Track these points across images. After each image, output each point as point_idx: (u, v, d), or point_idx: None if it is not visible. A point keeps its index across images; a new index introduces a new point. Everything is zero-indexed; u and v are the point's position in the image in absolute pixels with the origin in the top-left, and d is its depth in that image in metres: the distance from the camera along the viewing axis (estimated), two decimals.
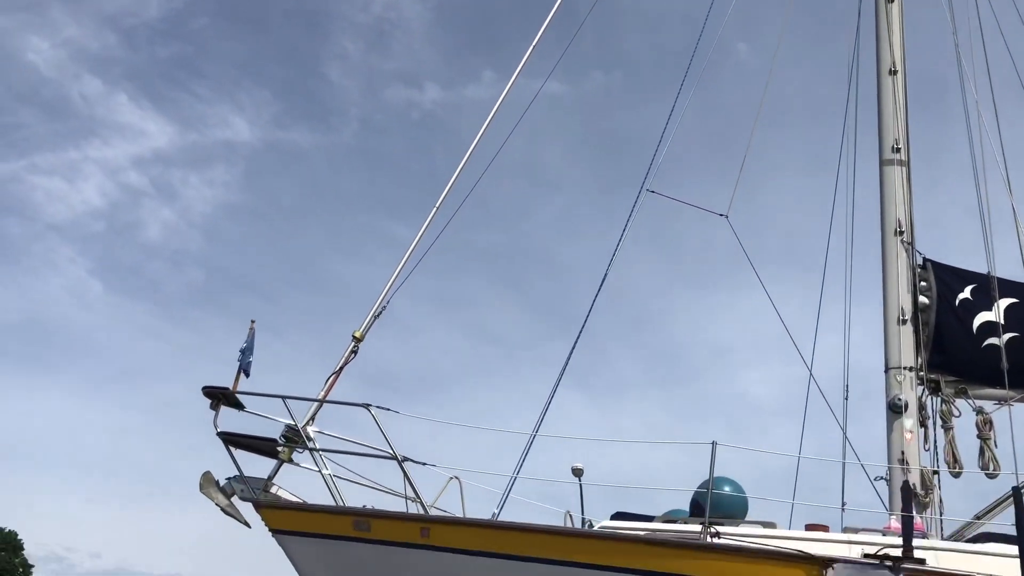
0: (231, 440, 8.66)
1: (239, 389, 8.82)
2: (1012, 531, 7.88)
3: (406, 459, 8.60)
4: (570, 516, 9.19)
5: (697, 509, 8.91)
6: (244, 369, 8.99)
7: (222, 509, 8.67)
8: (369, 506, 8.79)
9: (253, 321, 9.37)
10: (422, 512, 8.48)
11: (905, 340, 10.71)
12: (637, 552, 7.77)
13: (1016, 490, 8.16)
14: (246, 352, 9.12)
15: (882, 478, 10.37)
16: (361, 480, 8.96)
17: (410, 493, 8.65)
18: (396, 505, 8.80)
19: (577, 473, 8.94)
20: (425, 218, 10.10)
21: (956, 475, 10.46)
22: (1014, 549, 7.67)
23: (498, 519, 8.79)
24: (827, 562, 7.33)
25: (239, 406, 8.76)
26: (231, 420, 8.84)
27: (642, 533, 8.26)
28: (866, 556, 7.51)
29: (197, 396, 8.81)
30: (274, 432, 8.82)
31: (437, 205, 10.18)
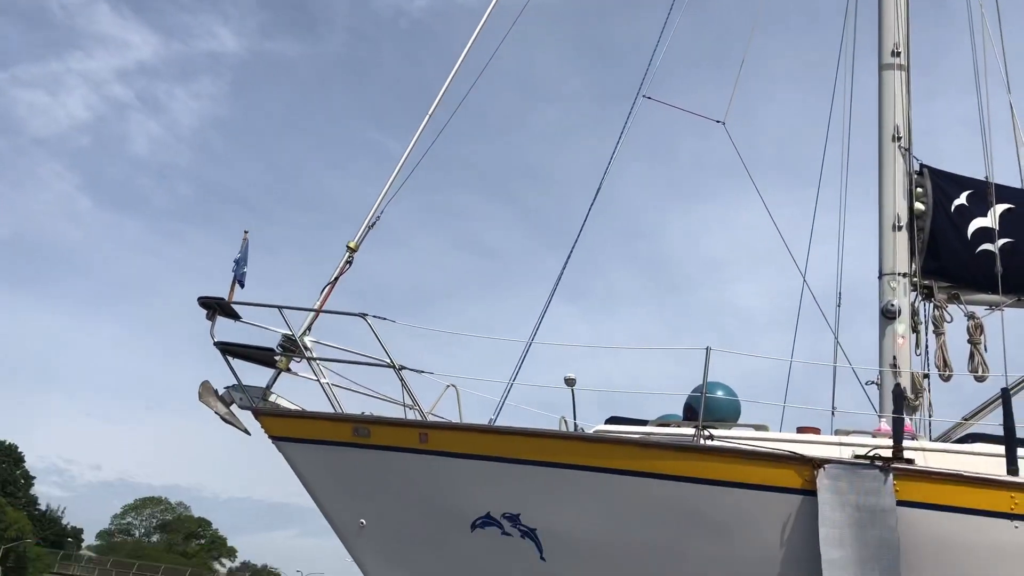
0: (228, 350, 8.71)
1: (234, 300, 8.84)
2: (999, 431, 8.05)
3: (403, 368, 8.68)
4: (564, 422, 9.31)
5: (690, 413, 9.04)
6: (239, 280, 9.00)
7: (222, 417, 8.77)
8: (367, 414, 8.90)
9: (246, 232, 9.38)
10: (420, 419, 8.59)
11: (900, 246, 10.72)
12: (632, 454, 7.90)
13: (1005, 391, 8.30)
14: (240, 263, 9.12)
15: (873, 383, 10.51)
16: (359, 389, 9.07)
17: (408, 401, 8.75)
18: (394, 413, 8.91)
19: (570, 383, 9.04)
20: (416, 129, 9.98)
21: (946, 379, 10.61)
22: (1000, 448, 7.84)
23: (495, 424, 8.92)
24: (818, 463, 7.46)
25: (235, 316, 8.78)
26: (227, 332, 8.91)
27: (636, 436, 8.40)
28: (857, 457, 7.64)
29: (190, 311, 8.84)
30: (271, 343, 8.90)
31: (427, 115, 10.05)
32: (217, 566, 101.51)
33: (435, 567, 8.35)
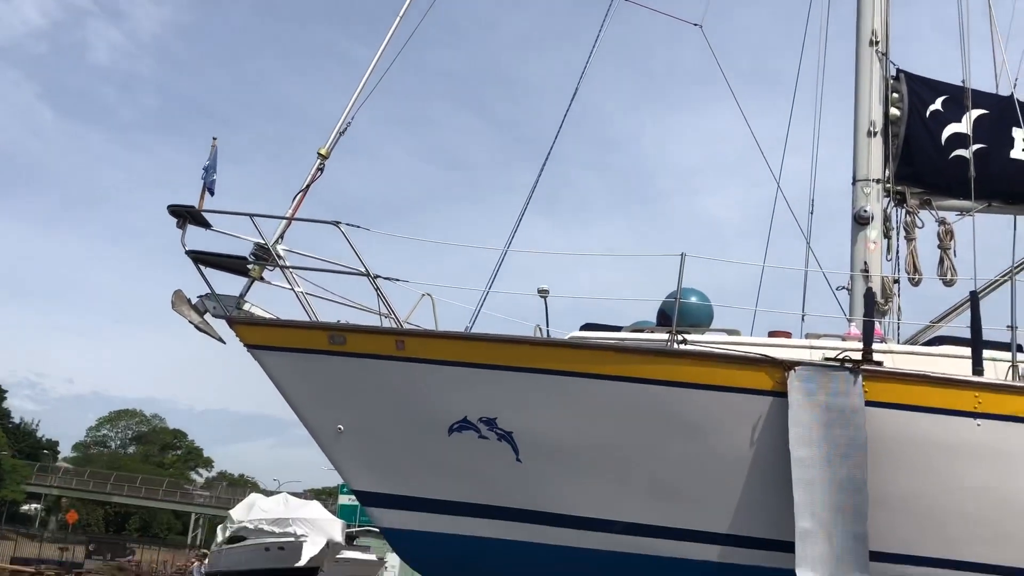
0: (200, 258, 8.61)
1: (205, 207, 8.69)
2: (966, 334, 8.20)
3: (377, 276, 8.64)
4: (539, 330, 9.37)
5: (664, 319, 9.12)
6: (208, 187, 8.84)
7: (196, 326, 8.72)
8: (343, 322, 8.89)
9: (215, 138, 9.19)
10: (396, 327, 8.60)
11: (874, 152, 10.72)
12: (607, 359, 7.98)
13: (974, 294, 8.44)
14: (209, 170, 8.94)
15: (843, 288, 10.64)
16: (333, 298, 9.03)
17: (383, 309, 8.73)
18: (369, 322, 8.90)
19: (543, 293, 9.07)
20: (385, 35, 9.72)
21: (916, 284, 10.76)
22: (966, 350, 8.01)
23: (472, 332, 8.96)
24: (789, 365, 7.58)
25: (206, 224, 8.65)
26: (199, 240, 8.79)
27: (611, 341, 8.47)
28: (827, 359, 7.77)
29: (159, 224, 8.70)
30: (243, 251, 8.80)
31: (397, 19, 9.78)
32: (194, 476, 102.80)
33: (413, 470, 8.48)
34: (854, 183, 10.78)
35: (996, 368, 7.88)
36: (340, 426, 8.58)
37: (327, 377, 8.55)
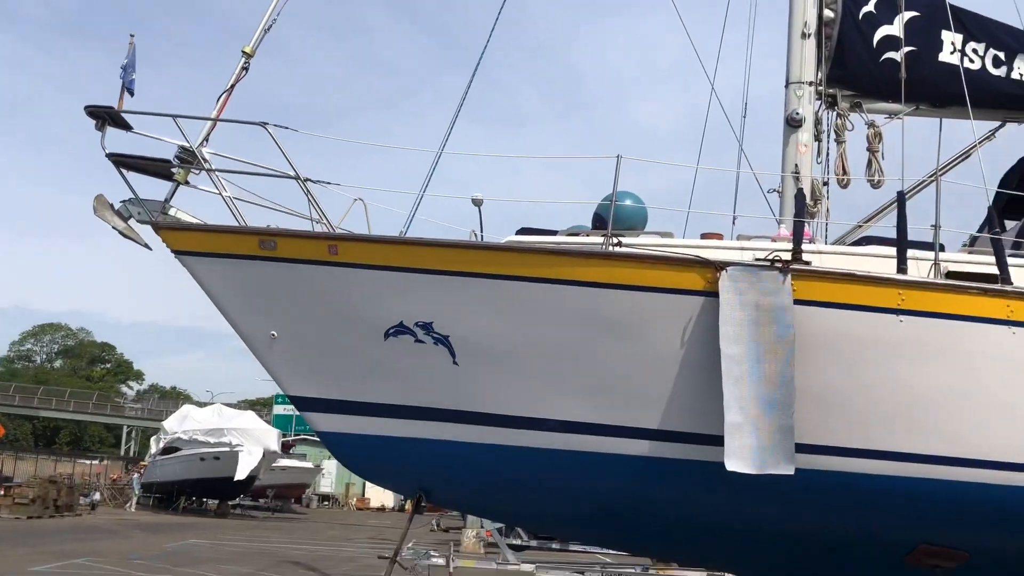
0: (121, 162, 8.30)
1: (124, 108, 8.34)
2: (893, 235, 8.41)
3: (308, 179, 8.45)
4: (474, 235, 9.31)
5: (599, 222, 9.13)
6: (127, 87, 8.47)
7: (120, 232, 8.46)
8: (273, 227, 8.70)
9: (132, 36, 8.77)
10: (329, 231, 8.45)
11: (807, 54, 10.74)
12: (542, 262, 7.99)
13: (900, 194, 8.63)
14: (128, 69, 8.56)
15: (775, 190, 10.78)
16: (262, 202, 8.81)
17: (314, 215, 8.57)
18: (300, 228, 8.73)
19: (477, 203, 8.99)
20: None
21: (844, 186, 10.96)
22: (892, 250, 8.21)
23: (407, 236, 8.86)
24: (721, 265, 7.69)
25: (126, 127, 8.31)
26: (120, 144, 8.44)
27: (547, 244, 8.48)
28: (757, 259, 7.90)
29: (77, 130, 8.35)
30: (167, 155, 8.50)
31: None
32: (124, 389, 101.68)
33: (349, 375, 8.47)
34: (787, 86, 10.82)
35: (919, 267, 8.12)
36: (273, 332, 8.49)
37: (258, 283, 8.41)
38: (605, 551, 23.01)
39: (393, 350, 8.24)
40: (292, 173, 8.34)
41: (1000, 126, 11.51)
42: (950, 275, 8.23)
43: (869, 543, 8.34)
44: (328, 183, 8.65)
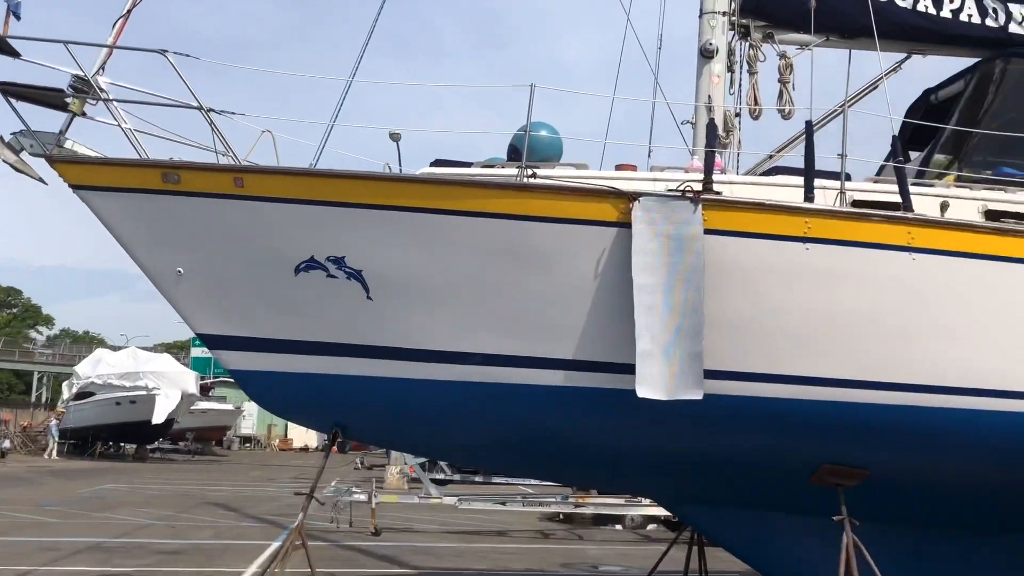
0: (10, 91, 7.86)
1: (10, 34, 7.88)
2: (801, 164, 8.54)
3: (212, 110, 8.15)
4: (389, 168, 9.15)
5: (514, 153, 9.06)
6: (12, 11, 7.97)
7: (12, 166, 8.06)
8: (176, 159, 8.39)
9: None
10: (234, 163, 8.20)
11: None
12: (456, 194, 7.90)
13: (808, 124, 8.76)
14: None
15: (688, 122, 10.84)
16: (164, 135, 8.49)
17: (219, 147, 8.29)
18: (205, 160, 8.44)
19: (395, 137, 8.82)
20: None
21: (756, 117, 11.08)
22: (801, 180, 8.36)
23: (316, 168, 8.65)
24: (634, 196, 7.72)
25: (14, 53, 7.85)
26: (7, 72, 8.01)
27: (461, 176, 8.38)
28: (669, 190, 7.95)
29: None
30: (60, 84, 8.09)
31: None
32: (33, 334, 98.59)
33: (259, 312, 8.31)
34: (701, 16, 10.83)
35: (826, 195, 8.28)
36: (180, 269, 8.25)
37: (162, 218, 8.13)
38: (527, 482, 23.45)
39: (304, 285, 8.09)
40: (195, 103, 8.03)
41: (906, 58, 11.73)
42: (856, 204, 8.41)
43: (776, 464, 8.63)
44: (233, 113, 8.37)
